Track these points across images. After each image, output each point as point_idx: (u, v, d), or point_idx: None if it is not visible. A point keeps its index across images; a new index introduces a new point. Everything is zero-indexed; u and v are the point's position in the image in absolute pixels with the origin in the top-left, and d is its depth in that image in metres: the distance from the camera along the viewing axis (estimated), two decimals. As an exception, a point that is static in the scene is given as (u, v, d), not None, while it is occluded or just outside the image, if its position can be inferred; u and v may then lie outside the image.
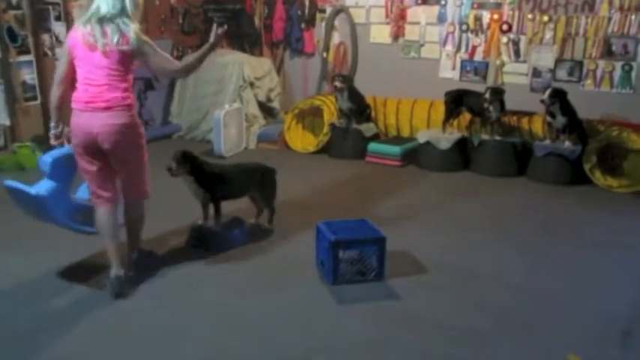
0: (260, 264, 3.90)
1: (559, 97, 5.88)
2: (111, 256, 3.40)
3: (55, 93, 3.32)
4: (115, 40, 3.15)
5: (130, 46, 3.17)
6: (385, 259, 3.67)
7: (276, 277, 3.72)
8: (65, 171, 3.46)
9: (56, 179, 3.41)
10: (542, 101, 5.91)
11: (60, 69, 3.30)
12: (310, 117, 7.42)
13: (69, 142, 3.39)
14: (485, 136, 6.39)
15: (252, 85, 7.49)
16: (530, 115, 6.49)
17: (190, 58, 3.53)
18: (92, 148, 3.24)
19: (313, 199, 5.19)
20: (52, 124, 3.41)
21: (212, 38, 3.46)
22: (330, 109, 7.09)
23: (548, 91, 5.95)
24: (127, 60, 3.21)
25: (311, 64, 8.22)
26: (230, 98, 7.26)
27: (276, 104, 7.97)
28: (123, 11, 3.18)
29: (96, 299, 3.36)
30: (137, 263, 3.61)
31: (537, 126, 6.39)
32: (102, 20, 3.16)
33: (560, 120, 5.92)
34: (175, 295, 3.45)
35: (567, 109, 5.90)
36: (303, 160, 6.78)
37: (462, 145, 6.49)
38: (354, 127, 6.87)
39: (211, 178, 4.01)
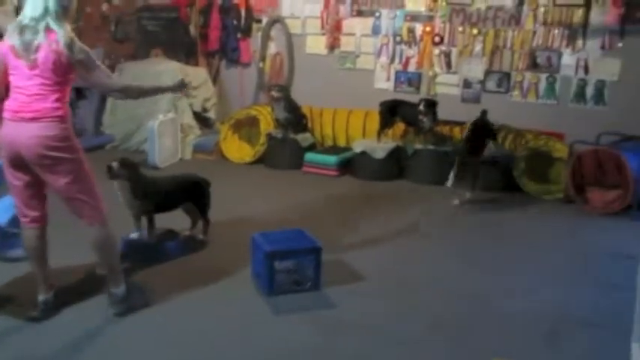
0: (195, 277, 3.84)
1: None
2: (38, 279, 3.23)
3: None
4: (35, 51, 2.91)
5: (60, 53, 2.92)
6: (321, 268, 3.69)
7: (211, 289, 3.67)
8: None
9: None
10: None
11: None
12: (247, 127, 7.38)
13: None
14: (418, 146, 6.52)
15: (188, 95, 7.39)
16: (461, 124, 6.66)
17: (135, 84, 3.35)
18: (18, 162, 3.02)
19: (249, 209, 5.17)
20: None
21: (171, 85, 3.38)
22: (267, 119, 7.08)
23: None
24: (61, 69, 2.96)
25: (247, 74, 8.19)
26: (165, 108, 7.14)
27: (212, 114, 7.89)
28: (46, 12, 2.91)
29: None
30: (123, 300, 3.29)
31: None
32: (24, 28, 2.95)
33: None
34: (106, 310, 3.35)
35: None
36: (239, 170, 6.74)
37: (396, 154, 6.60)
38: (290, 137, 6.88)
39: (146, 189, 3.94)
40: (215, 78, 8.33)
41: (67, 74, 3.02)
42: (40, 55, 2.93)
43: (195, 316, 3.34)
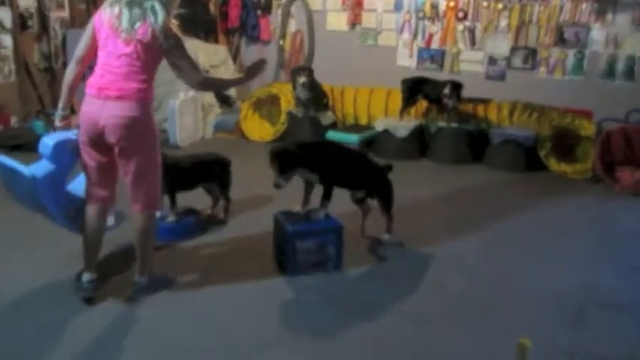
0: (216, 256, 3.86)
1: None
2: (85, 258, 3.20)
3: (70, 71, 3.04)
4: (138, 26, 2.86)
5: (151, 38, 2.87)
6: (343, 248, 3.69)
7: (232, 269, 3.68)
8: (66, 158, 3.10)
9: (55, 164, 3.08)
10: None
11: (80, 46, 3.02)
12: (267, 106, 7.37)
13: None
14: (441, 124, 6.46)
15: (206, 73, 7.39)
16: (485, 102, 6.59)
17: (217, 77, 3.28)
18: (97, 141, 2.97)
19: (270, 189, 5.15)
20: (61, 105, 3.14)
21: (251, 67, 3.21)
22: (288, 98, 7.05)
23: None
24: (151, 51, 2.91)
25: (267, 51, 8.16)
26: (185, 87, 7.14)
27: (232, 93, 7.89)
28: None
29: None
30: (146, 289, 3.27)
31: (493, 113, 6.50)
32: (131, 3, 2.87)
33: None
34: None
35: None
36: (260, 149, 6.72)
37: (419, 132, 6.56)
38: (311, 115, 6.85)
39: (167, 169, 3.94)
40: (235, 56, 8.31)
41: (156, 58, 2.97)
42: (139, 33, 2.87)
43: (216, 294, 3.35)
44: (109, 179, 3.14)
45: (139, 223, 3.14)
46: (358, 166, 3.89)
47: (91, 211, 3.16)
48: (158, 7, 2.88)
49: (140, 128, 2.94)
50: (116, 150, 2.98)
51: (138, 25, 2.87)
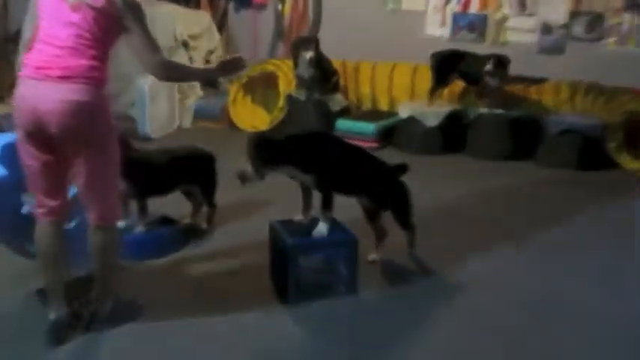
0: (196, 277, 3.85)
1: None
2: (50, 291, 3.17)
3: (22, 60, 3.01)
4: None
5: (106, 2, 2.85)
6: (357, 266, 3.66)
7: (216, 293, 3.67)
8: (18, 161, 3.09)
9: (6, 168, 3.10)
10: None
11: (27, 27, 3.04)
12: (262, 87, 7.37)
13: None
14: (482, 110, 6.44)
15: (186, 45, 7.40)
16: (539, 82, 6.56)
17: (182, 64, 3.28)
18: (36, 134, 2.89)
19: (266, 192, 5.14)
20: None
21: (225, 65, 3.34)
22: (288, 77, 7.05)
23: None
24: (106, 20, 2.88)
25: (262, 18, 8.17)
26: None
27: (217, 70, 7.90)
28: None
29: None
30: (108, 318, 3.24)
31: (548, 96, 6.48)
32: None
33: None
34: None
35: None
36: (253, 142, 6.75)
37: (453, 121, 6.54)
38: (317, 99, 6.84)
39: (135, 168, 3.93)
40: (221, 24, 8.32)
41: (113, 29, 2.93)
42: (86, 1, 2.85)
43: (198, 326, 3.33)
44: (58, 184, 3.07)
45: (95, 239, 3.12)
46: (361, 167, 3.84)
47: (42, 228, 3.11)
48: None
49: (90, 116, 2.89)
50: (61, 144, 2.92)
51: None
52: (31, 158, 2.99)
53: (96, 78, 2.91)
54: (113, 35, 2.97)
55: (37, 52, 2.91)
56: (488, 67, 6.24)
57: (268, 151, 3.45)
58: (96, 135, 2.94)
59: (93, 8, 2.86)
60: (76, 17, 2.86)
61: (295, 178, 3.65)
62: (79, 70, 2.86)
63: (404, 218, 3.96)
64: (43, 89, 2.85)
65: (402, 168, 4.00)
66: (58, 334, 3.14)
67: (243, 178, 3.44)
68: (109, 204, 3.10)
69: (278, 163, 3.47)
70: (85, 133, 2.90)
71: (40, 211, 3.09)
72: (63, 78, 2.85)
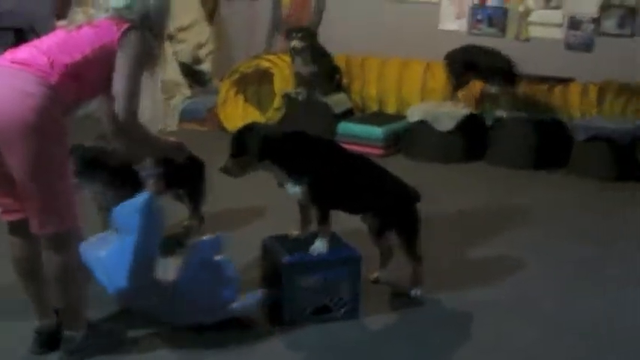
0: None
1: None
2: (31, 299, 3.26)
3: None
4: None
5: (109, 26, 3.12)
6: (361, 287, 3.67)
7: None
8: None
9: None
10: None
11: None
12: (255, 85, 7.38)
13: None
14: (502, 113, 6.46)
15: (171, 38, 7.42)
16: (565, 82, 6.58)
17: (149, 132, 3.42)
18: None
19: (259, 203, 5.17)
20: None
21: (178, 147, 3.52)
22: (284, 74, 7.06)
23: None
24: (101, 45, 3.12)
25: (258, 8, 8.18)
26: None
27: (207, 67, 7.92)
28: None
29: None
30: (80, 349, 3.24)
31: (575, 98, 6.48)
32: None
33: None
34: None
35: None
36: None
37: (470, 125, 6.54)
38: (318, 99, 6.86)
39: (121, 175, 3.95)
40: (212, 15, 8.33)
41: (100, 58, 3.10)
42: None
43: (184, 351, 3.34)
44: (2, 182, 3.09)
45: (48, 260, 3.11)
46: (365, 182, 3.80)
47: (10, 236, 3.18)
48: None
49: (35, 111, 2.93)
50: None
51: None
52: None
53: (52, 75, 2.97)
54: (100, 64, 3.08)
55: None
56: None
57: (252, 141, 3.46)
58: (28, 130, 2.92)
59: (93, 26, 3.08)
60: (71, 32, 3.09)
61: (283, 186, 3.61)
62: (39, 64, 2.96)
63: (411, 248, 3.90)
64: None
65: (415, 196, 3.92)
66: (42, 342, 3.22)
67: (226, 171, 3.50)
68: (57, 211, 3.06)
69: (261, 157, 3.47)
70: (14, 127, 2.91)
71: (2, 215, 3.15)
72: (20, 64, 2.95)
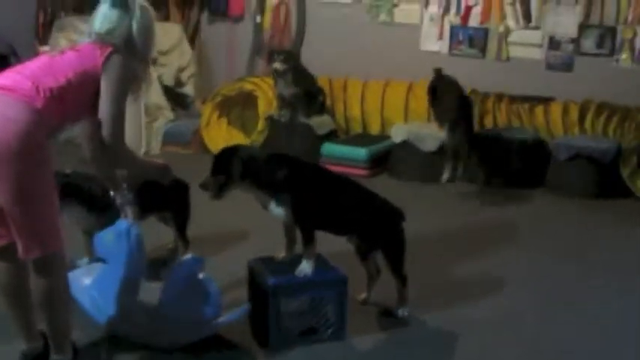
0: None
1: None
2: (15, 322, 3.26)
3: None
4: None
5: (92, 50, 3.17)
6: (347, 308, 3.68)
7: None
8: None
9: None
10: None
11: None
12: (239, 107, 7.39)
13: None
14: (485, 132, 6.50)
15: (154, 62, 7.43)
16: (546, 102, 6.63)
17: (136, 155, 3.51)
18: None
19: (244, 225, 5.17)
20: None
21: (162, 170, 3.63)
22: (268, 97, 7.07)
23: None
24: (83, 70, 3.16)
25: (239, 31, 8.21)
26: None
27: (189, 89, 7.92)
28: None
29: None
30: None
31: (556, 117, 6.53)
32: None
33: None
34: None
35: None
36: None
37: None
38: (301, 121, 6.88)
39: (104, 199, 3.95)
40: (193, 38, 8.36)
41: (84, 81, 3.13)
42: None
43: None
44: None
45: (34, 284, 3.12)
46: (352, 203, 3.82)
47: None
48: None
49: (19, 139, 2.92)
50: None
51: None
52: None
53: (37, 100, 2.97)
54: (83, 88, 3.12)
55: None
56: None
57: (236, 163, 3.49)
58: (17, 151, 2.91)
59: (76, 51, 3.13)
60: (54, 57, 3.14)
61: (267, 209, 3.61)
62: (22, 88, 2.97)
63: (397, 268, 3.91)
64: None
65: (400, 215, 3.95)
66: None
67: (205, 187, 3.54)
68: (40, 233, 3.05)
69: (242, 177, 3.50)
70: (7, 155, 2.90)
71: None
72: (2, 89, 2.96)
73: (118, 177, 3.67)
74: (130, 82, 3.23)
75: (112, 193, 3.68)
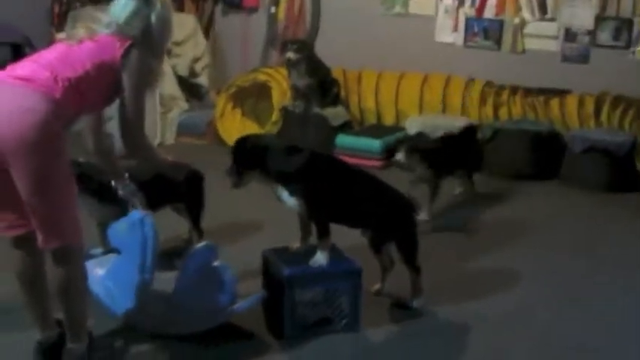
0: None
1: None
2: (29, 311, 3.30)
3: None
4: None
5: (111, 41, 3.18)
6: (361, 300, 3.69)
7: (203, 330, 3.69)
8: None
9: None
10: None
11: None
12: (253, 98, 7.40)
13: None
14: (499, 125, 6.50)
15: (169, 53, 7.45)
16: (561, 94, 6.62)
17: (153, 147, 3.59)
18: None
19: (258, 216, 5.19)
20: None
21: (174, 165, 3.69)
22: (282, 87, 7.08)
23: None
24: (101, 61, 3.18)
25: (254, 22, 8.22)
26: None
27: (203, 80, 7.94)
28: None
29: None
30: None
31: (572, 110, 6.52)
32: None
33: None
34: None
35: None
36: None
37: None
38: (315, 112, 6.89)
39: (111, 189, 3.96)
40: (208, 29, 8.37)
41: (103, 72, 3.15)
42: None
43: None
44: (6, 197, 3.10)
45: (52, 274, 3.15)
46: (366, 195, 3.82)
47: (16, 254, 3.21)
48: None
49: (37, 128, 2.94)
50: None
51: None
52: None
53: (55, 90, 2.99)
54: (100, 79, 3.13)
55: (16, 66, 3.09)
56: (399, 155, 5.39)
57: (247, 152, 3.56)
58: (33, 143, 2.93)
59: (94, 41, 3.15)
60: (72, 46, 3.15)
61: (279, 199, 3.63)
62: (41, 78, 2.98)
63: (410, 259, 3.93)
64: None
65: (413, 206, 4.00)
66: (44, 354, 3.25)
67: (228, 174, 3.61)
68: (56, 225, 3.08)
69: (252, 167, 3.55)
70: (18, 142, 2.91)
71: (1, 225, 3.18)
72: (22, 80, 2.97)
73: (120, 168, 3.71)
74: (148, 76, 3.27)
75: (113, 183, 3.71)
